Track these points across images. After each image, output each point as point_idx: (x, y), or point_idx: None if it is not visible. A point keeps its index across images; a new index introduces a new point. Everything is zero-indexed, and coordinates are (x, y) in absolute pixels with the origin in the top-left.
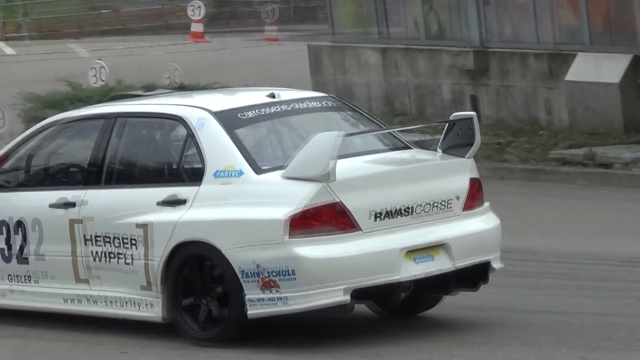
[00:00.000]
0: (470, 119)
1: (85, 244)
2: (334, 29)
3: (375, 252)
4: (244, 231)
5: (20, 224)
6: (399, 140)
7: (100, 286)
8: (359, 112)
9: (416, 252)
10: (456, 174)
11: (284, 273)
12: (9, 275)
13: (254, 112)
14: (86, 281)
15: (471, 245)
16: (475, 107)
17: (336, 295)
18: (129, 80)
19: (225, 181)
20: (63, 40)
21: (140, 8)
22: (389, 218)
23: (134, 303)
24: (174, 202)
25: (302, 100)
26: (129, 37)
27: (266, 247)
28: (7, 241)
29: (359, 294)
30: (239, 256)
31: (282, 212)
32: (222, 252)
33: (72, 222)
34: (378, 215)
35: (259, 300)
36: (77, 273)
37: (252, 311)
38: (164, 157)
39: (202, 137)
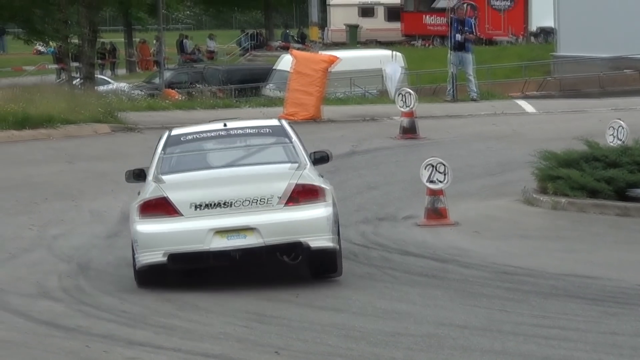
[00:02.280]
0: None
1: None
2: None
3: (189, 230)
4: (132, 213)
5: None
6: (297, 156)
7: None
8: (286, 139)
9: (228, 232)
10: (279, 180)
11: (135, 241)
12: None
13: (194, 135)
14: None
15: (282, 229)
16: None
17: (158, 257)
18: None
19: (146, 181)
20: (583, 98)
21: None
22: (208, 209)
23: None
24: (139, 193)
25: (243, 128)
26: None
27: (133, 224)
28: None
29: (173, 258)
30: (131, 228)
31: (139, 201)
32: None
33: None
34: (198, 206)
35: (135, 257)
36: None
37: (136, 265)
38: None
39: (157, 150)
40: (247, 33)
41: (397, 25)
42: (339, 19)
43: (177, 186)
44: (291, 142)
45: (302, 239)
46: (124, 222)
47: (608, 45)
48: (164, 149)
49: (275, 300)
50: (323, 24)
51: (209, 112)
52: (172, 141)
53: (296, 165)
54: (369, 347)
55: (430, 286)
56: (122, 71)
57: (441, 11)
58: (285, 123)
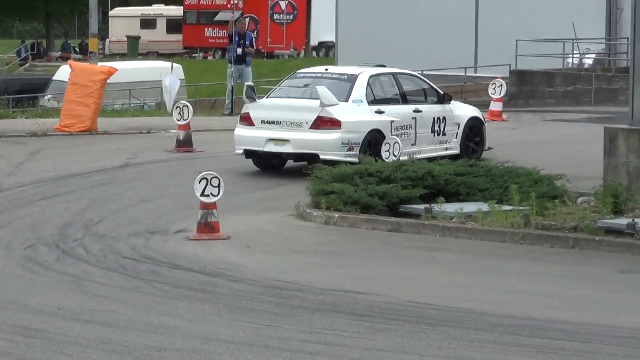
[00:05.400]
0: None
1: None
2: (634, 113)
3: (256, 136)
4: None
5: None
6: (345, 97)
7: None
8: (349, 85)
9: (276, 140)
10: (311, 112)
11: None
12: None
13: (306, 74)
14: None
15: (306, 143)
16: None
17: (240, 151)
18: None
19: None
20: None
21: (443, 85)
22: (268, 124)
23: None
24: None
25: (332, 73)
26: None
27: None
28: None
29: (247, 152)
30: None
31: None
32: None
33: None
34: (263, 121)
35: None
36: None
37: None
38: None
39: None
40: (27, 43)
41: (178, 37)
42: (120, 30)
43: (256, 107)
44: (350, 88)
45: (317, 152)
46: None
47: (386, 60)
48: (289, 78)
49: (42, 314)
50: (104, 35)
51: None
52: (291, 76)
53: (332, 103)
54: None
55: (199, 300)
56: None
57: (223, 24)
58: (366, 74)
